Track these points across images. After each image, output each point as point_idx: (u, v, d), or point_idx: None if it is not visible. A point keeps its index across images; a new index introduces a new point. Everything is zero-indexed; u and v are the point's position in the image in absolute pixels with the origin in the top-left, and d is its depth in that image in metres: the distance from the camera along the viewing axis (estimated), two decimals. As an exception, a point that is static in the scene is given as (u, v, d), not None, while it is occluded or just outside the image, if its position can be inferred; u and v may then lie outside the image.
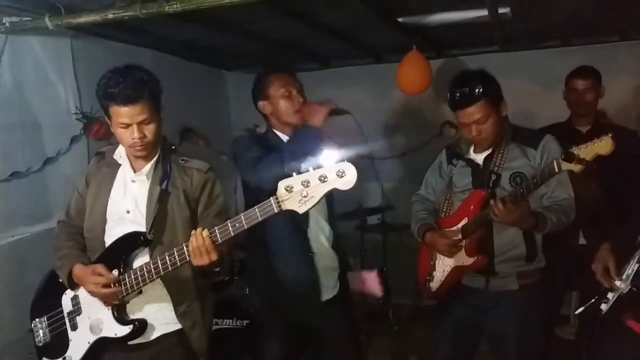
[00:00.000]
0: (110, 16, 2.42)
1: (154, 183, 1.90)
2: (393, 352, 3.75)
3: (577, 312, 2.07)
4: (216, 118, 4.71)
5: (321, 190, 1.54)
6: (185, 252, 1.72)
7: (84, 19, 2.50)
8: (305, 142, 2.03)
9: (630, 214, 2.09)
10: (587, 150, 1.81)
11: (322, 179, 1.53)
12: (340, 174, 1.52)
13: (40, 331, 2.00)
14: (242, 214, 1.65)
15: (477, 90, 2.06)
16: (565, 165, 1.85)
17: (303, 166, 1.58)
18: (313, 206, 1.57)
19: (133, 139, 1.80)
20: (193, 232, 1.69)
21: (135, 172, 1.93)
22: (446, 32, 3.56)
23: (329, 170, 1.53)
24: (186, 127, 4.10)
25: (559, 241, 2.31)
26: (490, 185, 2.14)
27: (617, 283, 1.90)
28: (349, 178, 1.52)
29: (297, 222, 2.15)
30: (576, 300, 3.64)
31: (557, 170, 1.89)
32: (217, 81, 4.84)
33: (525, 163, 2.12)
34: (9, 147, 2.69)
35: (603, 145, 1.79)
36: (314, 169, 1.55)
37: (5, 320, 2.67)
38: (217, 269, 1.80)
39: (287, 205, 1.57)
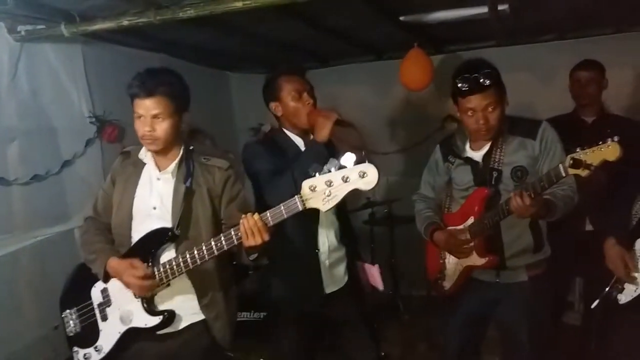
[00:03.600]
0: (125, 23, 2.49)
1: (178, 181, 1.99)
2: (403, 341, 3.83)
3: (593, 306, 2.08)
4: (221, 118, 4.78)
5: (344, 189, 1.63)
6: (214, 246, 1.80)
7: (99, 26, 2.57)
8: (319, 154, 2.06)
9: (622, 201, 2.14)
10: (594, 155, 1.75)
11: (345, 179, 1.62)
12: (362, 174, 1.60)
13: (71, 322, 2.08)
14: (268, 211, 1.75)
15: (490, 76, 2.05)
16: (573, 171, 1.80)
17: (325, 167, 1.65)
18: (336, 204, 1.66)
19: (144, 130, 1.91)
20: (243, 216, 1.76)
21: (160, 170, 2.02)
22: (445, 28, 3.64)
23: (352, 170, 1.61)
24: (193, 128, 4.17)
25: (566, 228, 2.36)
26: (493, 182, 2.14)
27: (637, 275, 1.94)
28: (370, 178, 1.60)
29: (306, 219, 2.19)
30: (580, 286, 3.72)
31: (564, 174, 1.84)
32: (221, 82, 4.93)
33: (525, 156, 2.12)
34: (29, 151, 2.78)
35: (610, 151, 1.73)
36: (336, 169, 1.63)
37: (29, 319, 2.76)
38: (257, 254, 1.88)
39: (311, 204, 1.66)
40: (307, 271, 2.27)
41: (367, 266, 2.57)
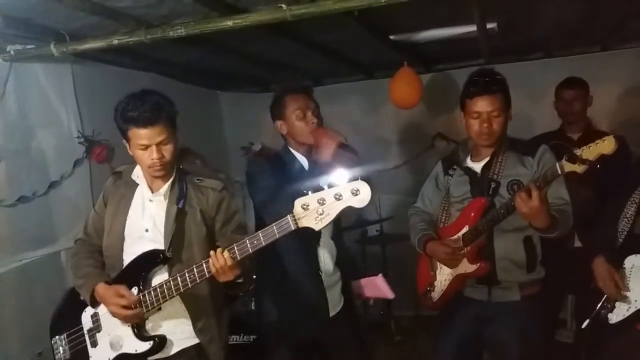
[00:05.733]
0: (115, 42, 2.48)
1: (171, 202, 1.96)
2: (396, 362, 3.79)
3: (583, 326, 2.09)
4: (211, 137, 4.76)
5: (337, 207, 1.61)
6: (205, 268, 1.78)
7: (89, 45, 2.56)
8: (326, 169, 2.07)
9: (608, 217, 2.16)
10: (590, 151, 1.77)
11: (337, 197, 1.60)
12: (354, 192, 1.59)
13: (60, 348, 2.04)
14: (259, 232, 1.73)
15: (499, 83, 2.14)
16: (569, 167, 1.82)
17: (319, 184, 1.64)
18: (329, 223, 1.64)
19: (152, 159, 1.88)
20: (212, 252, 1.76)
21: (152, 192, 1.99)
22: (435, 47, 3.68)
23: (344, 188, 1.60)
24: (183, 147, 4.14)
25: (555, 245, 2.37)
26: (490, 193, 2.16)
27: (628, 294, 1.95)
28: (363, 196, 1.59)
29: (308, 240, 2.19)
30: (572, 304, 3.71)
31: (559, 172, 1.85)
32: (211, 101, 4.92)
33: (523, 171, 2.15)
34: (15, 172, 2.73)
35: (606, 145, 1.76)
36: (329, 187, 1.61)
37: (13, 344, 2.68)
38: (241, 280, 1.86)
39: (303, 223, 1.64)
40: (313, 294, 2.25)
41: (368, 280, 2.51)
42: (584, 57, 4.06)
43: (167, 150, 1.90)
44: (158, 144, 1.87)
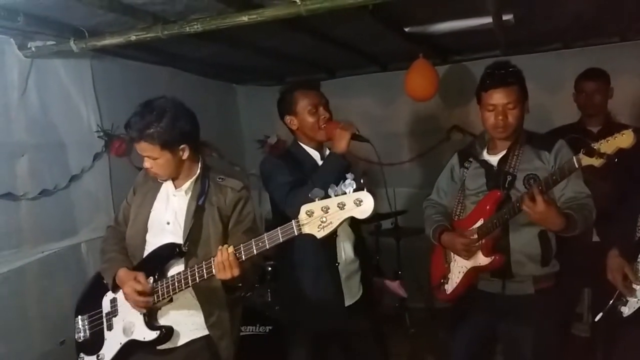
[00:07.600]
0: (133, 38, 2.52)
1: (192, 198, 2.02)
2: (410, 354, 3.80)
3: (597, 319, 2.08)
4: (228, 130, 4.81)
5: (339, 217, 1.63)
6: (213, 265, 1.82)
7: (108, 41, 2.60)
8: (339, 166, 2.13)
9: (630, 211, 2.13)
10: (609, 145, 1.75)
11: (341, 207, 1.62)
12: (357, 202, 1.60)
13: (81, 328, 2.13)
14: (265, 235, 1.76)
15: (514, 75, 2.16)
16: (586, 160, 1.80)
17: (329, 191, 1.65)
18: (330, 232, 1.65)
19: (146, 167, 1.99)
20: (220, 247, 1.80)
21: (176, 187, 2.06)
22: (450, 39, 3.65)
23: (348, 198, 1.61)
24: (200, 140, 4.19)
25: (573, 239, 2.37)
26: (506, 186, 2.15)
27: (637, 287, 1.93)
28: (365, 207, 1.60)
29: None
30: (589, 297, 3.68)
31: (577, 166, 1.84)
32: (228, 95, 4.95)
33: (539, 165, 2.14)
34: (38, 166, 2.80)
35: (624, 139, 1.74)
36: (334, 195, 1.63)
37: (36, 334, 2.76)
38: (240, 285, 1.91)
39: (306, 229, 1.66)
40: (329, 285, 2.28)
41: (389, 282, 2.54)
42: (602, 48, 3.98)
43: (157, 164, 1.96)
44: (147, 157, 1.96)
